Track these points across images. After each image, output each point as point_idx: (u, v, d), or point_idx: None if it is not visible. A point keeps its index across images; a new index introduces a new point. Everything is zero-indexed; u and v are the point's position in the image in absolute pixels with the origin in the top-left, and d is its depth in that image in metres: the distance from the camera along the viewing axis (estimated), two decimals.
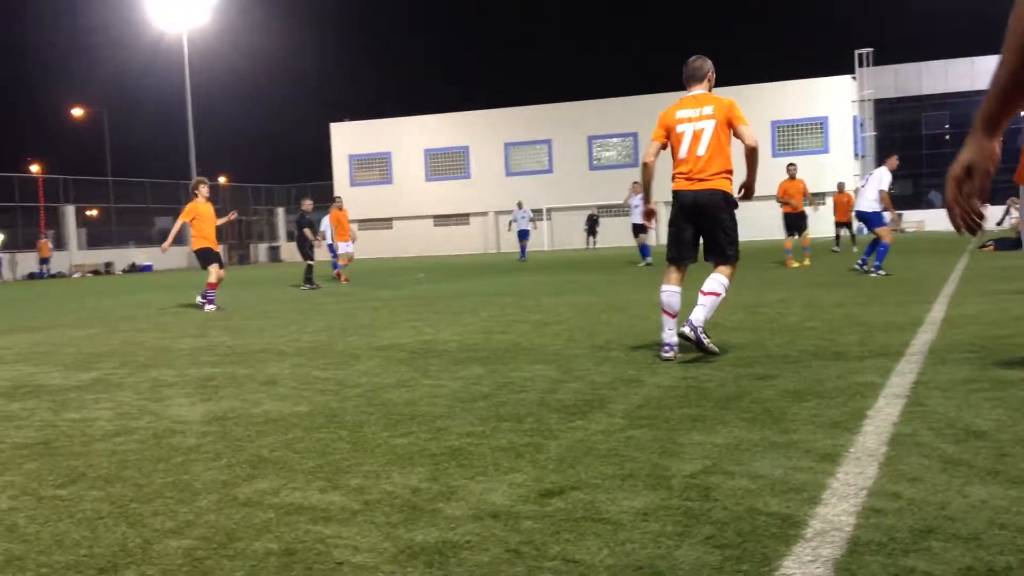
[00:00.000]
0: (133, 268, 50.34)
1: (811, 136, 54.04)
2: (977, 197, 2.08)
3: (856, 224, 22.09)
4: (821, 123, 53.86)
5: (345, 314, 12.40)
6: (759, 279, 15.53)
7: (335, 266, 23.39)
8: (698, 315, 6.58)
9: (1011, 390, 4.84)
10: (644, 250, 23.76)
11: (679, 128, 6.83)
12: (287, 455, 4.20)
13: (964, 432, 3.97)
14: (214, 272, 14.44)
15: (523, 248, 33.94)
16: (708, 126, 6.68)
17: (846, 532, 2.80)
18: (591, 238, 50.94)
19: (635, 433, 4.28)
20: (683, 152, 6.79)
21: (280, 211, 64.83)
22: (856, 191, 22.60)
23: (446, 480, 3.63)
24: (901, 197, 60.46)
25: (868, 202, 15.61)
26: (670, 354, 6.50)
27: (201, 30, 51.74)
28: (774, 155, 53.58)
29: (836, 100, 53.99)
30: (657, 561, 2.66)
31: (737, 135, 6.60)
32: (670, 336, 6.56)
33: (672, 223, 6.86)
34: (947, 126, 57.79)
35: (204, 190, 14.67)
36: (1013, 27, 1.90)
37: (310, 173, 72.42)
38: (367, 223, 60.03)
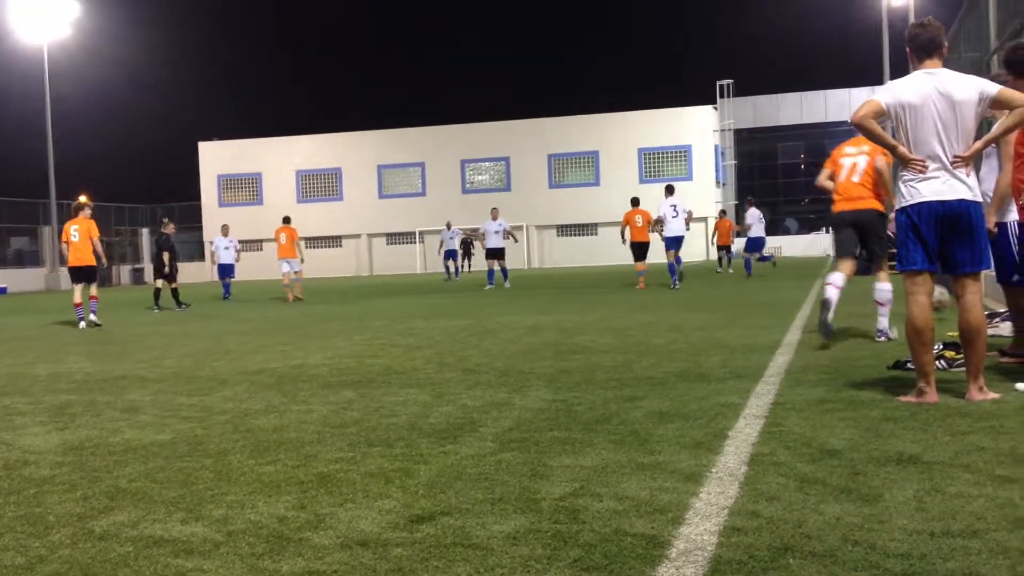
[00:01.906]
0: None
1: (676, 163, 55.59)
2: None
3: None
4: (685, 151, 55.49)
5: (212, 338, 12.09)
6: (627, 302, 15.86)
7: (226, 289, 24.63)
8: (883, 323, 8.49)
9: (863, 410, 5.07)
10: (491, 275, 24.83)
11: (842, 160, 8.69)
12: (147, 485, 4.05)
13: (819, 451, 4.13)
14: (80, 289, 15.72)
15: (455, 268, 34.80)
16: (862, 160, 8.54)
17: (708, 551, 2.88)
18: (465, 260, 50.54)
19: (505, 456, 4.31)
20: (842, 178, 8.63)
21: (144, 231, 62.79)
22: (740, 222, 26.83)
23: (314, 508, 3.57)
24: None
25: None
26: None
27: (62, 44, 49.80)
28: (641, 181, 54.93)
29: (699, 129, 55.76)
30: None
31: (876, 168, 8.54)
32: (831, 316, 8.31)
33: (837, 231, 9.01)
34: (802, 155, 60.41)
35: (88, 211, 16.16)
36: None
37: (177, 193, 70.46)
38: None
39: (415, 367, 7.92)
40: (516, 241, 25.62)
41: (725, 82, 57.86)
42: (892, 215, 6.89)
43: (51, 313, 21.57)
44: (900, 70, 38.50)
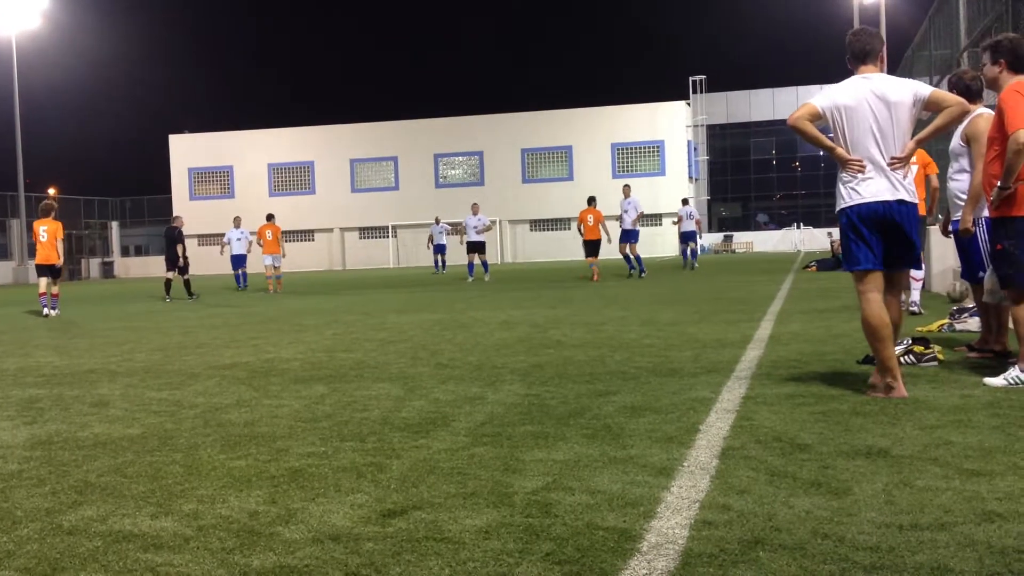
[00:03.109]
0: None
1: (649, 158, 55.79)
2: None
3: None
4: (658, 146, 55.68)
5: (183, 332, 12.00)
6: (600, 297, 15.90)
7: (238, 280, 26.31)
8: (915, 296, 9.62)
9: (833, 404, 5.11)
10: (471, 268, 26.45)
11: None
12: (116, 480, 4.02)
13: (789, 445, 4.16)
14: (45, 282, 17.06)
15: (442, 261, 35.73)
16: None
17: (679, 545, 2.89)
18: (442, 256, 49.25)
19: (478, 451, 4.30)
20: None
21: (114, 225, 62.21)
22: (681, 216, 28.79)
23: (285, 503, 3.55)
24: (731, 219, 63.33)
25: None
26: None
27: (31, 34, 49.15)
28: (614, 176, 55.05)
29: (672, 125, 55.95)
30: None
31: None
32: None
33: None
34: (773, 151, 60.88)
35: (54, 213, 17.71)
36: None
37: (147, 186, 69.75)
38: (207, 238, 58.29)
39: (388, 361, 7.90)
40: (489, 228, 26.96)
41: (698, 78, 58.11)
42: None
43: (19, 305, 21.34)
44: None
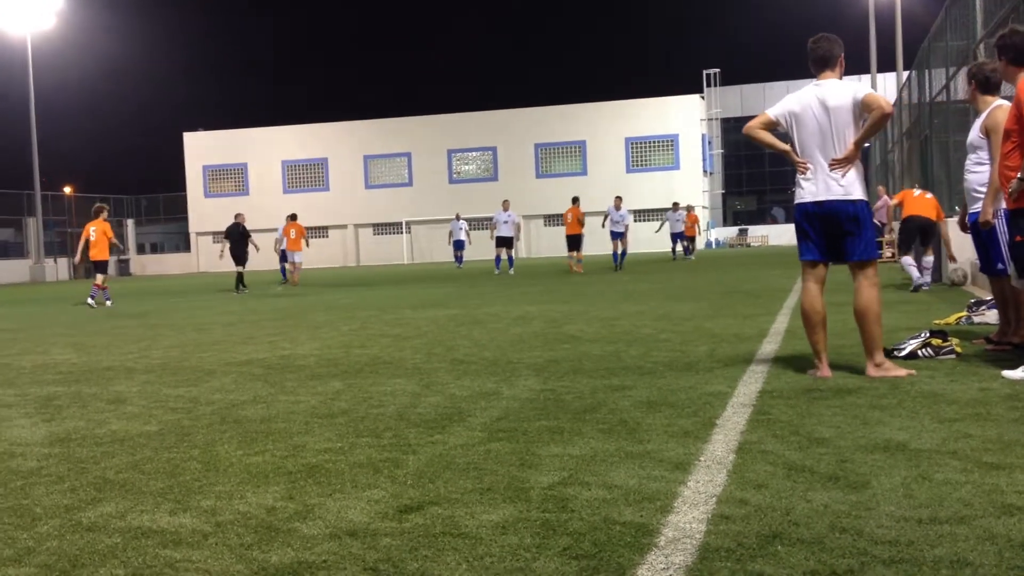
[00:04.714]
0: None
1: (663, 153, 55.64)
2: None
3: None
4: (672, 140, 55.53)
5: (199, 329, 12.05)
6: (615, 292, 15.87)
7: (283, 272, 27.94)
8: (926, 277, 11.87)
9: (849, 398, 5.09)
10: (498, 261, 27.95)
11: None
12: (134, 476, 4.04)
13: (807, 439, 4.15)
14: (102, 277, 18.94)
15: (460, 257, 37.22)
16: None
17: (697, 539, 2.89)
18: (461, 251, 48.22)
19: (494, 446, 4.31)
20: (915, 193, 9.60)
21: (130, 223, 62.49)
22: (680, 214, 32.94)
23: (302, 498, 3.56)
24: (746, 213, 63.11)
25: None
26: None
27: (46, 34, 49.37)
28: (628, 171, 54.97)
29: (686, 118, 55.77)
30: (515, 574, 2.68)
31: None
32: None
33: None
34: (789, 145, 60.50)
35: (105, 213, 19.46)
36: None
37: (162, 184, 70.00)
38: (222, 236, 58.50)
39: (403, 357, 7.91)
40: (519, 240, 28.75)
41: (711, 71, 57.97)
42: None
43: (37, 304, 21.48)
44: (886, 59, 38.53)
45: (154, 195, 65.81)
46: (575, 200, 26.87)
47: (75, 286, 37.44)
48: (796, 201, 5.97)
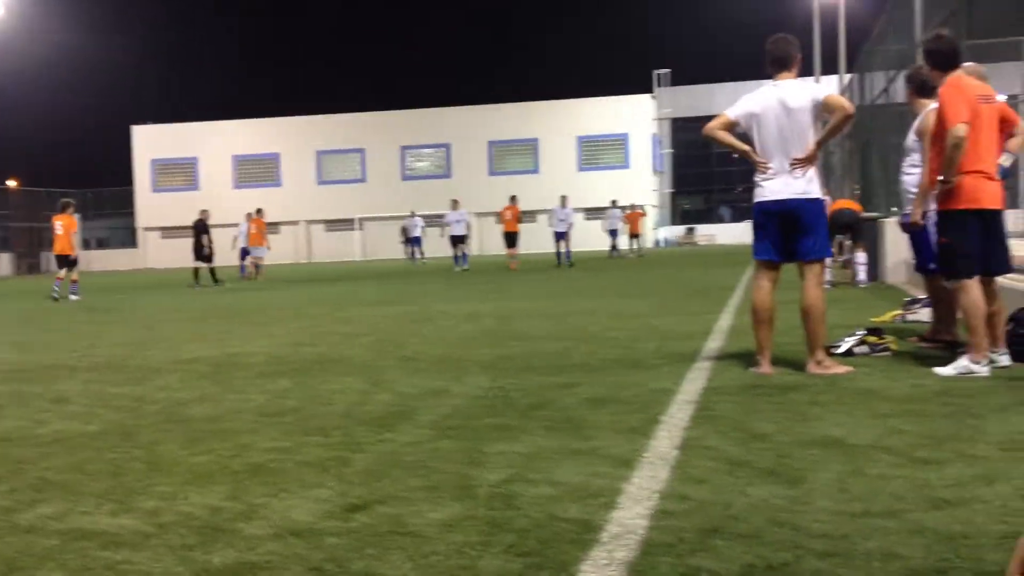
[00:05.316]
0: None
1: (614, 151, 55.93)
2: None
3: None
4: (623, 139, 55.84)
5: (145, 327, 11.90)
6: (566, 290, 15.95)
7: (242, 269, 28.18)
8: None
9: (790, 394, 5.18)
10: (456, 259, 28.08)
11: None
12: (75, 477, 4.00)
13: (748, 435, 4.22)
14: (65, 271, 19.33)
15: (414, 253, 38.26)
16: None
17: (639, 535, 2.93)
18: (418, 248, 45.40)
19: (442, 444, 4.32)
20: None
21: (76, 217, 61.38)
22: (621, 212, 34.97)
23: (247, 498, 3.55)
24: (695, 212, 63.68)
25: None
26: None
27: None
28: (580, 169, 55.19)
29: (636, 118, 56.11)
30: (460, 572, 2.70)
31: None
32: None
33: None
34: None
35: (71, 208, 20.12)
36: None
37: (109, 178, 68.82)
38: (171, 231, 57.75)
39: (353, 355, 7.89)
40: (468, 235, 29.81)
41: (662, 71, 58.36)
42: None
43: None
44: (830, 61, 39.04)
45: (100, 189, 64.72)
46: (513, 199, 27.82)
47: (18, 283, 36.77)
48: (756, 200, 6.03)
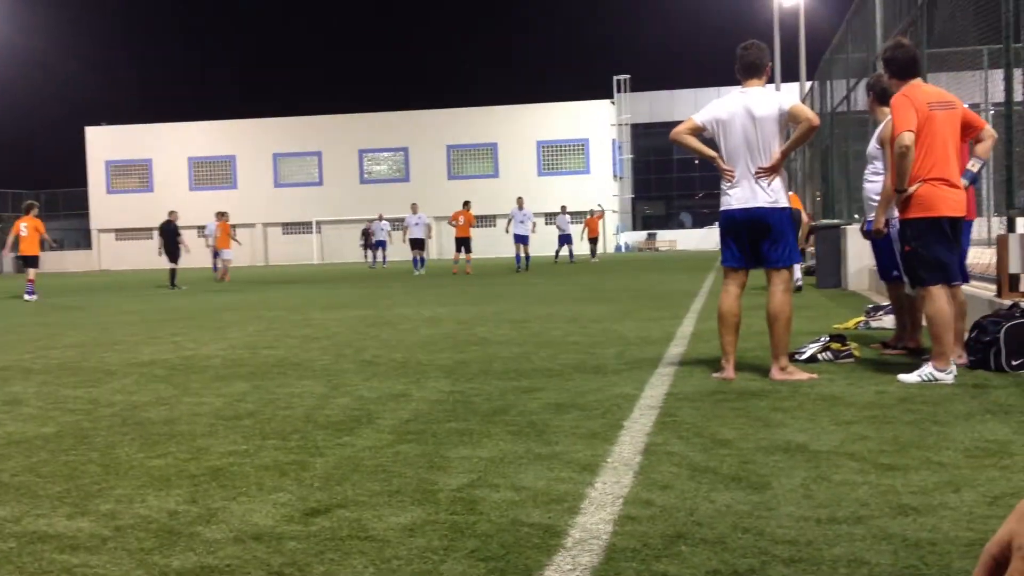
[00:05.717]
0: None
1: (574, 156, 56.14)
2: None
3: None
4: (583, 144, 56.07)
5: (100, 329, 11.71)
6: (526, 294, 15.94)
7: (215, 268, 28.55)
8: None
9: (753, 400, 5.20)
10: (415, 263, 28.02)
11: None
12: (31, 480, 3.91)
13: (711, 441, 4.23)
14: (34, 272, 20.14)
15: (383, 256, 38.19)
16: None
17: (603, 540, 2.92)
18: (378, 251, 44.03)
19: (403, 448, 4.29)
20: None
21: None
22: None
23: (206, 502, 3.49)
24: (655, 217, 64.10)
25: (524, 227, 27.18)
26: None
27: None
28: (540, 174, 55.29)
29: (596, 123, 56.37)
30: None
31: None
32: None
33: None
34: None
35: (35, 210, 20.58)
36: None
37: (62, 179, 67.78)
38: (126, 233, 57.00)
39: (311, 358, 7.81)
40: (430, 239, 29.35)
41: (621, 77, 58.66)
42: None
43: None
44: (790, 69, 39.50)
45: (54, 191, 63.74)
46: (466, 204, 27.75)
47: None
48: (722, 208, 6.05)
